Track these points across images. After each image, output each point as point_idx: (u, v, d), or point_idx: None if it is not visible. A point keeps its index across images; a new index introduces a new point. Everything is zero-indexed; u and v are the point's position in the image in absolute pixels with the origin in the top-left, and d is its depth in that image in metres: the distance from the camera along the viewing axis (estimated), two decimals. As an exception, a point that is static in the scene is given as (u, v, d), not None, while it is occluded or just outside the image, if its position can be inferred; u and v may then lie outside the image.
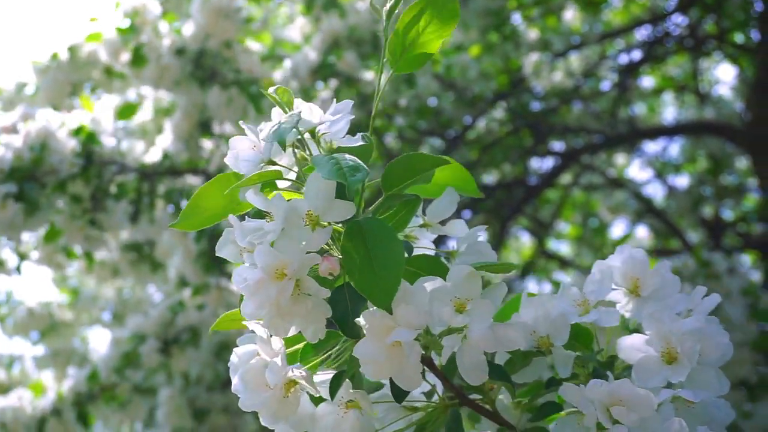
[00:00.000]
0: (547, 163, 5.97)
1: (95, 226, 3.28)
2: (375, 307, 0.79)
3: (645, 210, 6.24)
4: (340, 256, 0.83)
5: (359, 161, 0.82)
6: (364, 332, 0.80)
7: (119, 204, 3.34)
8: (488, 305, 0.84)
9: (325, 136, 0.94)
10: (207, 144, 3.90)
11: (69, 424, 4.04)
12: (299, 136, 0.89)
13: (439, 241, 1.04)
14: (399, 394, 0.84)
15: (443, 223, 1.00)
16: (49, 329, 5.41)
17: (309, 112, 0.91)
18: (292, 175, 0.90)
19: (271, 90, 0.91)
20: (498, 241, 5.61)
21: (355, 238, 0.80)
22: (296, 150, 0.90)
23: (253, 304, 0.80)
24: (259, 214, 0.88)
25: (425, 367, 0.87)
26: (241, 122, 0.94)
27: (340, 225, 0.85)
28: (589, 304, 0.96)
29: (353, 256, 0.79)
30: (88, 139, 3.16)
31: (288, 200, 0.82)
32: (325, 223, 0.82)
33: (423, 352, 0.84)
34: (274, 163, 0.89)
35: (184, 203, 3.91)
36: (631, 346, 0.93)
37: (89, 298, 5.50)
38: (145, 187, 3.57)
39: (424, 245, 0.98)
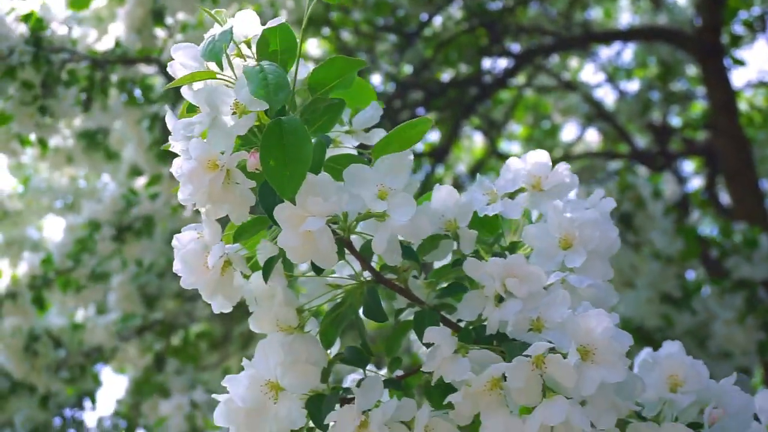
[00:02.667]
0: (501, 64, 6.03)
1: (46, 113, 3.31)
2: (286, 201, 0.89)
3: (595, 113, 6.36)
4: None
5: (284, 76, 0.89)
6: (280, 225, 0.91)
7: (69, 91, 3.36)
8: (409, 198, 0.93)
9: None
10: (160, 33, 3.90)
11: (24, 306, 4.14)
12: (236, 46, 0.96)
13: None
14: (318, 270, 0.95)
15: (367, 131, 1.09)
16: (1, 217, 5.45)
17: (242, 21, 0.97)
18: (229, 73, 0.97)
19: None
20: (450, 140, 5.72)
21: (274, 135, 0.89)
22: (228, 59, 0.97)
23: (187, 190, 0.90)
24: (192, 109, 0.96)
25: (346, 249, 0.97)
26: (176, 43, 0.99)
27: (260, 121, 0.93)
28: (497, 195, 1.07)
29: (268, 151, 0.88)
30: (36, 25, 3.15)
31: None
32: (250, 111, 0.90)
33: (342, 234, 0.94)
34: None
35: (137, 92, 3.95)
36: (534, 234, 1.05)
37: (42, 188, 5.51)
38: (98, 76, 3.58)
39: (347, 149, 1.07)
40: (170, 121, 0.92)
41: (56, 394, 4.37)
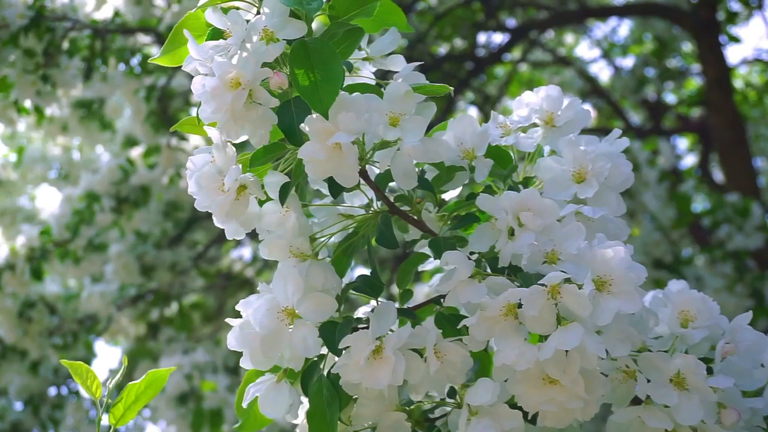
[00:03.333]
0: (496, 39, 6.03)
1: (47, 82, 3.31)
2: (317, 114, 0.89)
3: (590, 89, 6.36)
4: (289, 74, 0.92)
5: None
6: (308, 137, 0.90)
7: (72, 60, 3.36)
8: (420, 120, 0.94)
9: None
10: (159, 2, 3.88)
11: (23, 277, 4.13)
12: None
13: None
14: (336, 191, 0.96)
15: (385, 58, 1.09)
16: (-4, 186, 5.43)
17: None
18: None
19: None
20: (445, 114, 5.71)
21: (301, 54, 0.90)
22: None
23: (210, 108, 0.90)
24: (218, 33, 0.96)
25: (361, 179, 0.98)
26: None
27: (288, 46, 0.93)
28: (510, 129, 1.07)
29: (299, 69, 0.88)
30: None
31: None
32: (278, 39, 0.91)
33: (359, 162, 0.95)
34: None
35: (134, 61, 3.93)
36: (547, 166, 1.05)
37: (36, 158, 5.49)
38: (98, 45, 3.57)
39: (365, 76, 1.07)
40: (193, 44, 0.92)
41: (47, 360, 4.38)
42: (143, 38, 3.89)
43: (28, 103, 3.63)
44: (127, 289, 4.68)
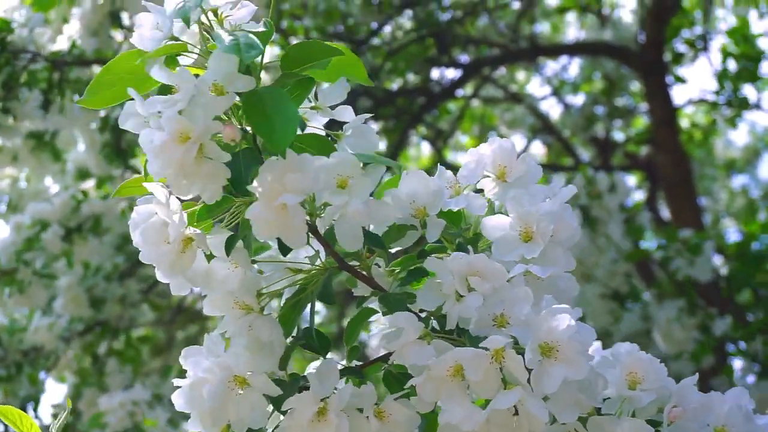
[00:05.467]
0: (449, 74, 6.08)
1: (7, 114, 3.27)
2: (267, 174, 0.88)
3: (541, 126, 6.44)
4: (239, 126, 0.92)
5: (255, 40, 0.89)
6: (256, 196, 0.89)
7: (33, 93, 3.32)
8: (367, 182, 0.94)
9: (229, 19, 1.01)
10: (117, 35, 3.85)
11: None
12: (203, 15, 0.96)
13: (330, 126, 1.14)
14: (284, 250, 0.95)
15: (333, 108, 1.08)
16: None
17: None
18: (196, 53, 0.97)
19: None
20: (397, 149, 5.73)
21: (254, 101, 0.89)
22: (200, 27, 0.97)
23: (158, 163, 0.88)
24: (164, 90, 0.95)
25: (310, 234, 0.97)
26: (144, 1, 0.99)
27: (239, 100, 0.93)
28: (461, 188, 1.07)
29: (253, 114, 0.88)
30: (1, 26, 3.12)
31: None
32: (227, 92, 0.90)
33: (308, 218, 0.94)
34: (177, 40, 0.96)
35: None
36: (494, 225, 1.04)
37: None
38: (56, 77, 3.53)
39: (315, 126, 1.07)
40: (140, 101, 0.90)
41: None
42: (99, 70, 3.85)
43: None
44: (75, 322, 4.59)
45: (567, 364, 0.91)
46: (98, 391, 4.67)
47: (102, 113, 3.93)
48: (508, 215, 1.05)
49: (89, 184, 4.45)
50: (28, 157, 4.34)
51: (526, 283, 0.99)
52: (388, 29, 5.77)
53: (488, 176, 1.09)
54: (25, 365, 4.43)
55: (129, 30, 3.81)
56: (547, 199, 1.07)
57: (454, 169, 1.11)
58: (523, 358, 0.90)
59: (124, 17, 3.84)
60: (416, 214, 1.03)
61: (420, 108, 5.55)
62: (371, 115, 1.10)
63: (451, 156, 7.28)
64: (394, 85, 5.97)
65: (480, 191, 1.09)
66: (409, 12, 5.62)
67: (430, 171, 1.10)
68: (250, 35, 0.90)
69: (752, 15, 6.44)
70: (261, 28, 1.00)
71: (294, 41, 5.65)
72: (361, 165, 0.97)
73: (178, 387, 0.96)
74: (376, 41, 5.67)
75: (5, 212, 5.24)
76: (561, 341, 0.92)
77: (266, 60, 0.99)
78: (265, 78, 1.01)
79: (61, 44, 3.60)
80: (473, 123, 7.15)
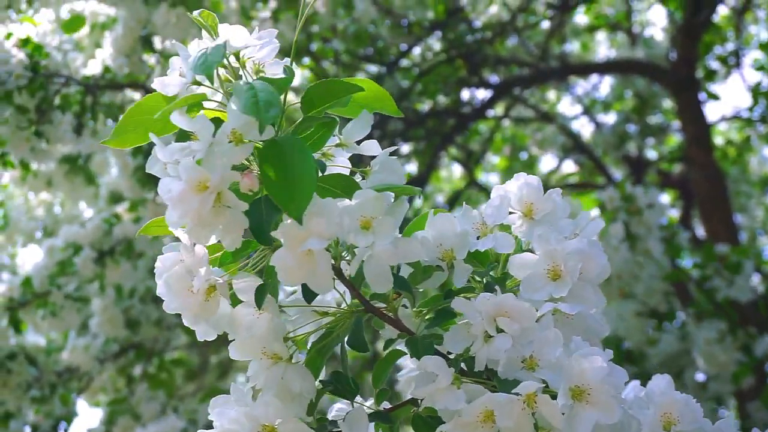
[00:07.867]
0: (479, 95, 6.07)
1: (41, 138, 3.32)
2: (290, 219, 0.88)
3: (572, 145, 6.40)
4: (259, 173, 0.91)
5: (275, 95, 0.88)
6: (281, 243, 0.89)
7: (65, 116, 3.37)
8: (391, 222, 0.93)
9: (253, 59, 1.01)
10: (149, 59, 3.90)
11: (1, 329, 4.09)
12: (225, 59, 0.95)
13: (357, 160, 1.13)
14: (309, 296, 0.94)
15: (359, 143, 1.07)
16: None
17: (234, 35, 0.97)
18: (218, 96, 0.96)
19: (195, 13, 0.97)
20: (429, 170, 5.72)
21: (272, 154, 0.88)
22: (221, 71, 0.96)
23: (176, 213, 0.88)
24: (183, 136, 0.95)
25: (335, 276, 0.96)
26: (172, 42, 0.99)
27: (260, 143, 0.92)
28: (487, 228, 1.05)
29: (271, 170, 0.87)
30: (35, 50, 3.17)
31: (212, 119, 0.89)
32: (247, 141, 0.89)
33: (333, 262, 0.93)
34: (200, 84, 0.95)
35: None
36: (522, 264, 1.03)
37: (20, 216, 5.45)
38: (88, 101, 3.57)
39: (340, 163, 1.06)
40: (160, 148, 0.90)
41: (20, 413, 4.30)
42: (132, 94, 3.90)
43: (28, 159, 3.63)
44: (110, 344, 4.62)
45: (599, 407, 0.89)
46: (132, 419, 4.69)
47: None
48: (535, 253, 1.03)
49: (122, 207, 4.49)
50: (62, 181, 4.41)
51: (555, 321, 0.97)
52: (417, 51, 5.78)
53: (514, 212, 1.07)
54: (59, 386, 4.47)
55: (161, 54, 3.86)
56: (574, 234, 1.05)
57: (485, 190, 1.09)
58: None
59: (156, 41, 3.90)
60: (443, 257, 1.02)
61: (451, 129, 5.54)
62: (396, 148, 1.08)
63: (482, 177, 7.25)
64: (425, 106, 5.97)
65: (507, 227, 1.07)
66: (438, 33, 5.63)
67: (458, 197, 1.08)
68: (271, 89, 0.89)
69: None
70: (283, 68, 1.00)
71: (324, 63, 5.69)
72: (384, 202, 0.96)
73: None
74: (405, 63, 5.68)
75: (41, 238, 5.30)
76: (593, 384, 0.90)
77: (294, 83, 0.98)
78: (291, 97, 1.01)
79: (94, 68, 3.65)
80: (504, 143, 7.13)
